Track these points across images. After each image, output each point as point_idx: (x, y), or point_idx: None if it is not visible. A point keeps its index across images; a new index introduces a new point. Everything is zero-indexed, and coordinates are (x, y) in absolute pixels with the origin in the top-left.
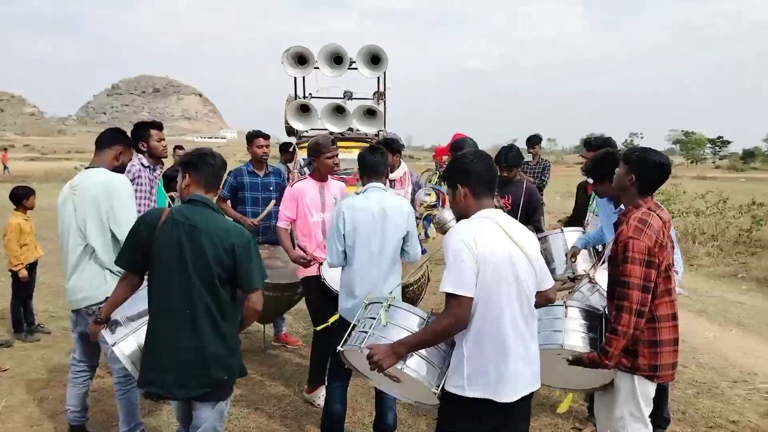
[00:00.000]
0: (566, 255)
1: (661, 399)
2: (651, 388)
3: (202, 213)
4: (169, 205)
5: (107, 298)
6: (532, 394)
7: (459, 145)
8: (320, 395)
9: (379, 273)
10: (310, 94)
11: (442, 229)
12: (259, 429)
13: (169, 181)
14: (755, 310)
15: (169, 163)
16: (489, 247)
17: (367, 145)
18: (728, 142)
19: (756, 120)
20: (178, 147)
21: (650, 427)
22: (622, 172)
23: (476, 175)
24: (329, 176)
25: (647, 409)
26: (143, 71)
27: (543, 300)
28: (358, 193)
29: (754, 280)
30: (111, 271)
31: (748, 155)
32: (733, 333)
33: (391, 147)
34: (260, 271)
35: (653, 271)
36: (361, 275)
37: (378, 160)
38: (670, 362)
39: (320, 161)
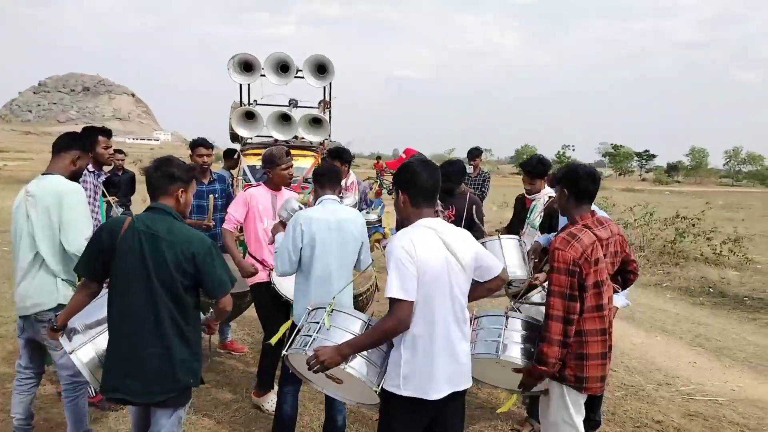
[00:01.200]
0: (528, 253)
1: (595, 404)
2: (581, 398)
3: (162, 221)
4: (108, 209)
5: (59, 305)
6: (465, 391)
7: None
8: (269, 400)
9: (337, 283)
10: (255, 101)
11: None
12: None
13: (107, 186)
14: (678, 317)
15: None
16: (427, 254)
17: (313, 153)
18: (654, 156)
19: (679, 136)
20: (118, 151)
21: (582, 431)
22: (558, 192)
23: (417, 186)
24: (282, 187)
25: (578, 417)
26: (72, 69)
27: (499, 281)
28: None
29: (677, 289)
30: (62, 278)
31: (672, 169)
32: (658, 339)
33: (343, 157)
34: (226, 275)
35: (576, 281)
36: (320, 286)
37: (333, 172)
38: (598, 375)
39: (275, 173)
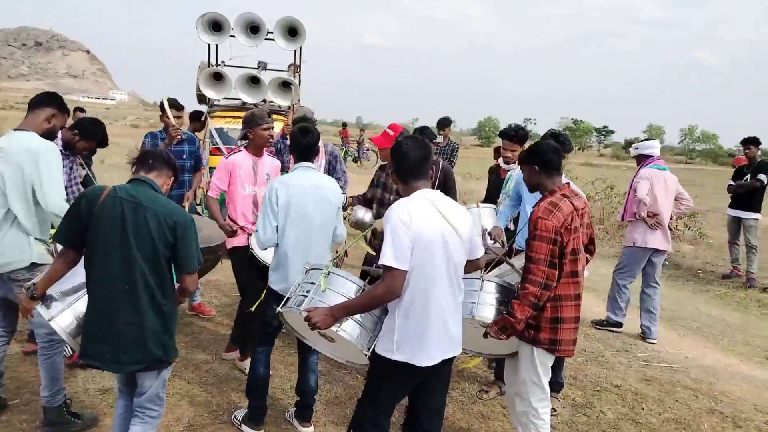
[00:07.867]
0: (487, 233)
1: (557, 367)
2: (549, 360)
3: (145, 192)
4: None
5: (32, 263)
6: (453, 358)
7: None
8: (246, 362)
9: (312, 247)
10: (223, 62)
11: (359, 226)
12: (179, 395)
13: (64, 146)
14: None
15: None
16: (423, 226)
17: (282, 117)
18: (612, 132)
19: (637, 113)
20: (78, 109)
21: (548, 392)
22: (528, 171)
23: (407, 162)
24: (264, 152)
25: (546, 377)
26: (24, 22)
27: (473, 268)
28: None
29: None
30: (35, 237)
31: (629, 145)
32: None
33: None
34: (198, 254)
35: (558, 249)
36: (294, 249)
37: (310, 142)
38: (571, 338)
39: (256, 132)
